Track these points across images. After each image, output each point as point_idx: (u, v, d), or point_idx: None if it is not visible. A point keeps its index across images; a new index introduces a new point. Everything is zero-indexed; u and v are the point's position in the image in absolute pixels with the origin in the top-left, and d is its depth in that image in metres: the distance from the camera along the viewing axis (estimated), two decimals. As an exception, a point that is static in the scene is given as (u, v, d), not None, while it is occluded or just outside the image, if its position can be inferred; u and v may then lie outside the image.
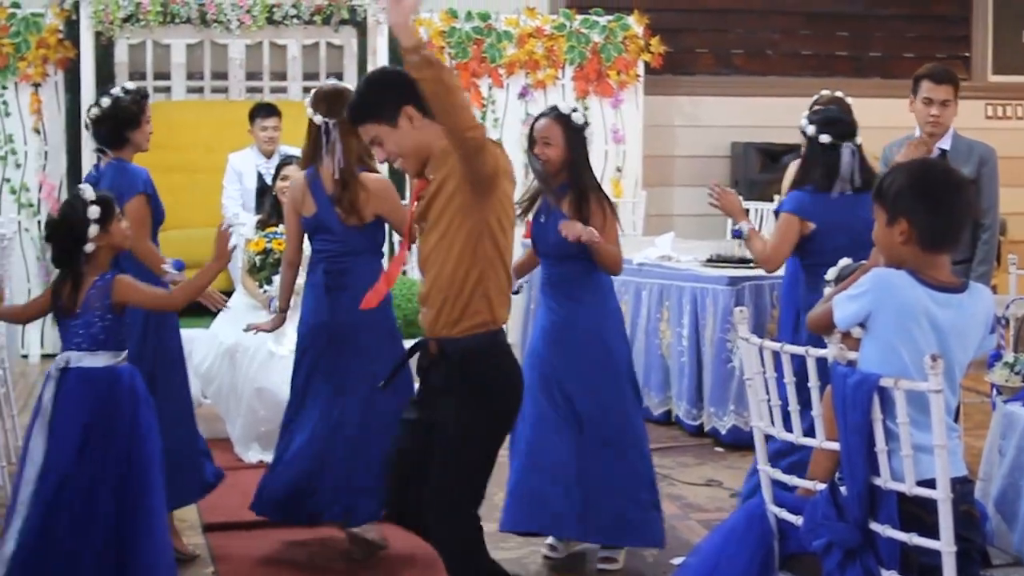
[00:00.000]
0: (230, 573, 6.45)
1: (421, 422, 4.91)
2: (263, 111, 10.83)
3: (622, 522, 6.40)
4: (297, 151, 8.53)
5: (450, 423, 4.82)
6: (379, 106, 4.79)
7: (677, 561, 6.38)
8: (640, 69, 12.80)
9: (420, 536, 5.05)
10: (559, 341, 6.43)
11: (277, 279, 8.10)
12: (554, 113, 6.46)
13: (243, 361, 8.30)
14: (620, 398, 6.48)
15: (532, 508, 6.40)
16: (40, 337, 11.86)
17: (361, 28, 12.22)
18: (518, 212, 6.22)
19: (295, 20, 11.92)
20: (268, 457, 8.11)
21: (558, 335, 6.43)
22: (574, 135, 6.42)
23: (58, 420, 5.33)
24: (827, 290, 5.02)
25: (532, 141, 6.44)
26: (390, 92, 4.81)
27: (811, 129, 6.57)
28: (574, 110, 6.48)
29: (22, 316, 6.06)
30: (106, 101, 6.62)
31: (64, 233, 5.41)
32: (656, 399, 9.40)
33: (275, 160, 9.99)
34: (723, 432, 8.72)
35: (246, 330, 7.04)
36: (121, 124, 6.62)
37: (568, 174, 6.43)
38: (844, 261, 5.44)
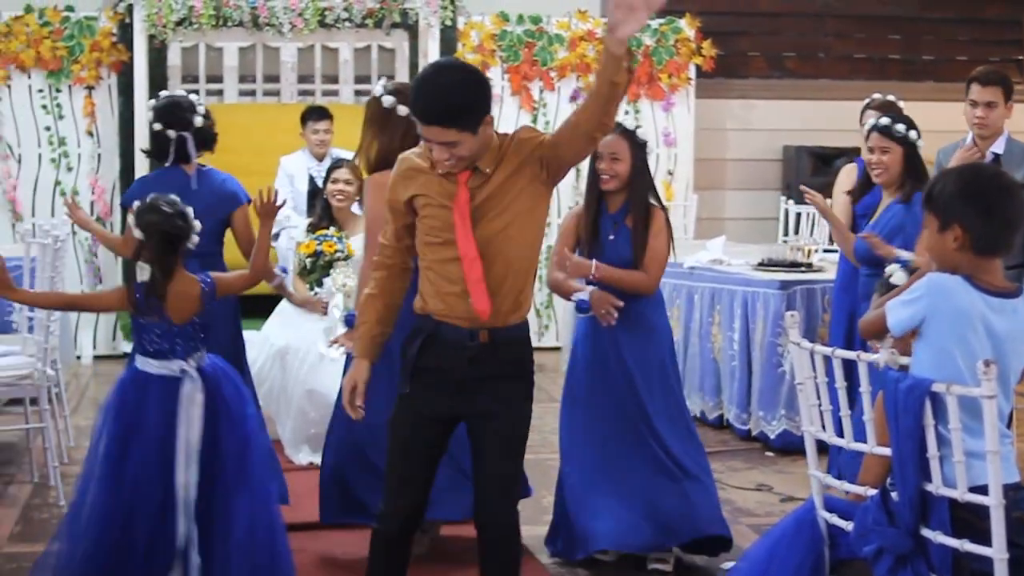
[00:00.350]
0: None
1: (445, 415, 4.87)
2: (315, 114, 10.85)
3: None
4: (348, 153, 8.56)
5: (504, 412, 4.83)
6: (471, 114, 4.65)
7: (727, 566, 6.36)
8: (692, 72, 12.78)
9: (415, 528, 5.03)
10: (629, 353, 6.49)
11: (328, 281, 8.14)
12: (620, 129, 6.41)
13: (293, 363, 8.32)
14: (681, 404, 6.64)
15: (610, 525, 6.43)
16: (92, 339, 11.93)
17: (413, 31, 12.23)
18: (584, 233, 6.35)
19: (347, 23, 11.95)
20: (318, 459, 8.13)
21: (628, 351, 6.48)
22: (639, 151, 6.44)
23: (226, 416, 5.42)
24: (876, 296, 5.00)
25: (594, 156, 6.40)
26: (482, 101, 4.69)
27: (900, 128, 6.67)
28: (637, 127, 6.50)
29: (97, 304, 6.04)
30: (203, 108, 6.72)
31: (173, 235, 5.42)
32: (710, 403, 9.38)
33: (326, 163, 10.00)
34: (772, 436, 8.69)
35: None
36: (213, 129, 6.76)
37: (631, 191, 6.44)
38: (894, 267, 5.42)
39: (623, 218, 6.44)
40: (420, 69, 11.62)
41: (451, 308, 4.77)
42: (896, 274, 5.27)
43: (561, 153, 4.74)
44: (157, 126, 6.80)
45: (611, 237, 6.43)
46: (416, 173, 4.81)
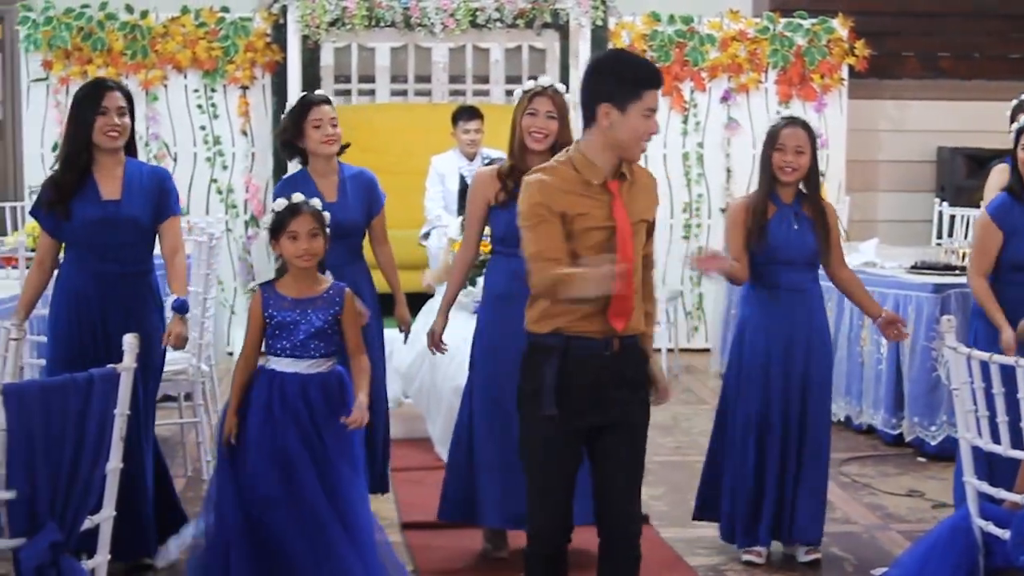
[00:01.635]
0: (429, 571, 6.49)
1: (584, 428, 4.84)
2: (466, 114, 10.89)
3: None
4: (499, 153, 8.55)
5: (636, 419, 4.86)
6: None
7: (877, 572, 6.31)
8: (844, 73, 12.64)
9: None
10: (809, 347, 6.54)
11: (481, 280, 8.16)
12: (801, 122, 6.51)
13: (443, 361, 8.34)
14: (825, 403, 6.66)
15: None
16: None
17: (564, 31, 12.24)
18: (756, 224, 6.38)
19: (498, 24, 11.99)
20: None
21: (809, 339, 6.54)
22: (816, 146, 6.50)
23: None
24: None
25: (774, 147, 6.44)
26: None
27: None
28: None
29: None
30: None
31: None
32: (857, 408, 9.28)
33: (477, 162, 10.04)
34: (932, 443, 8.55)
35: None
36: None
37: (808, 182, 6.51)
38: None
39: (800, 208, 6.48)
40: (570, 70, 11.76)
41: (589, 322, 4.72)
42: None
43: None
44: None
45: (795, 227, 6.45)
46: (567, 189, 4.74)
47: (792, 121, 6.52)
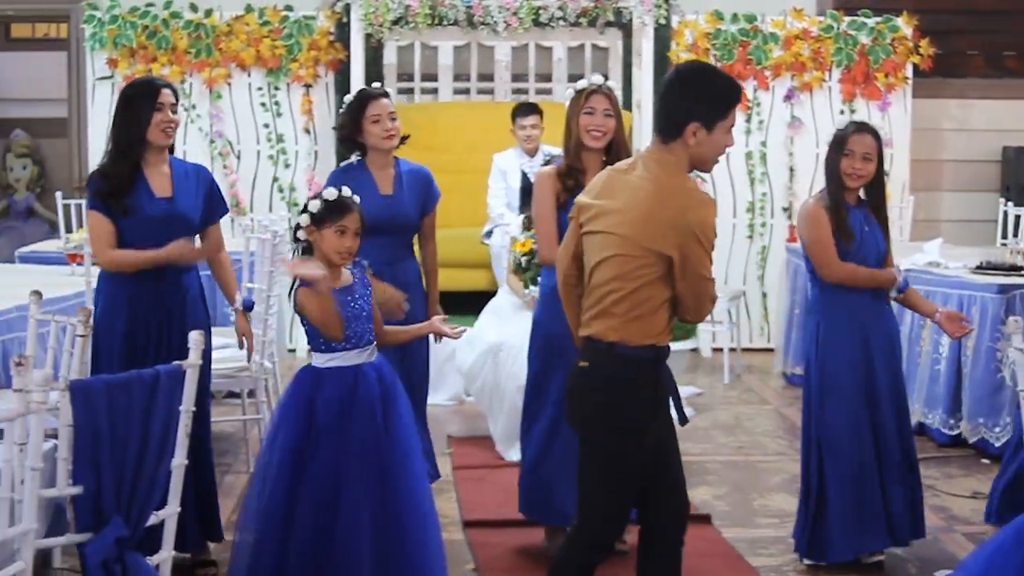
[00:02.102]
0: (490, 569, 6.50)
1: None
2: (523, 110, 10.91)
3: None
4: (560, 150, 8.51)
5: (671, 427, 4.91)
6: None
7: (940, 574, 6.28)
8: (908, 71, 12.55)
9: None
10: (890, 348, 6.60)
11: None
12: (870, 128, 6.48)
13: (506, 360, 8.36)
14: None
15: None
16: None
17: (627, 30, 12.23)
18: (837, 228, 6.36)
19: (561, 22, 11.97)
20: (530, 456, 8.18)
21: (889, 340, 6.60)
22: (883, 152, 6.49)
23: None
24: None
25: (842, 152, 6.40)
26: None
27: None
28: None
29: None
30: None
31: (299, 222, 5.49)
32: (915, 408, 9.20)
33: (538, 159, 10.04)
34: (996, 444, 8.48)
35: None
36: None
37: (874, 187, 6.50)
38: None
39: (868, 211, 6.49)
40: (633, 68, 11.74)
41: (671, 334, 4.86)
42: None
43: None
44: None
45: (866, 228, 6.45)
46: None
47: (861, 127, 6.48)
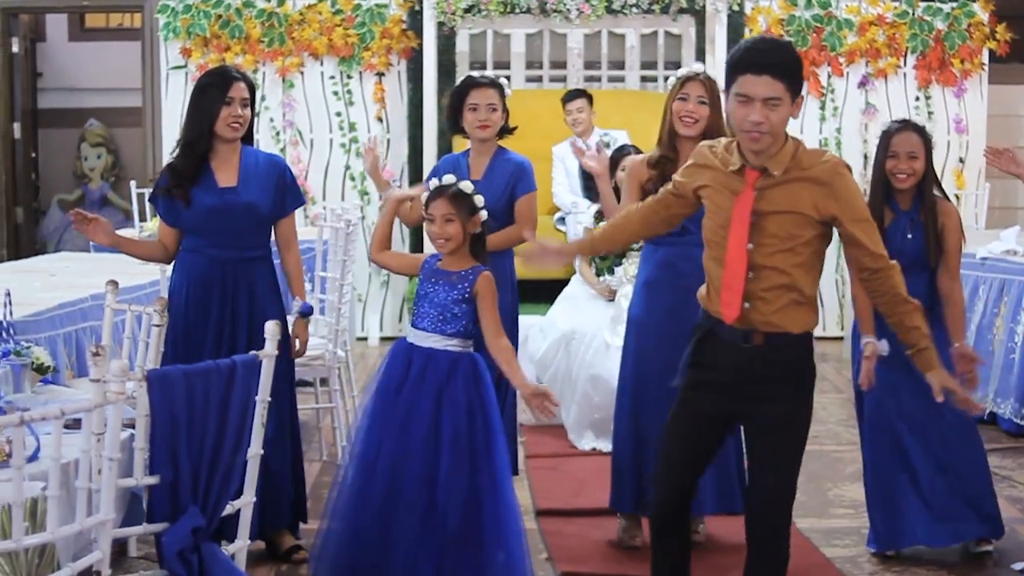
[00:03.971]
0: (562, 558, 6.47)
1: (719, 415, 4.83)
2: (568, 96, 10.88)
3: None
4: (618, 132, 8.47)
5: (779, 420, 4.76)
6: (798, 77, 4.65)
7: (1018, 567, 6.22)
8: (985, 57, 12.44)
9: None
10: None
11: (619, 270, 8.15)
12: (913, 125, 6.38)
13: (579, 348, 8.36)
14: None
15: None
16: (379, 320, 12.16)
17: (699, 17, 12.17)
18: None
19: (634, 9, 11.93)
20: (601, 445, 8.17)
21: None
22: (930, 147, 6.37)
23: None
24: None
25: (887, 153, 6.33)
26: (802, 78, 4.69)
27: None
28: (929, 112, 6.46)
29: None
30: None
31: None
32: (978, 395, 9.10)
33: (593, 140, 9.94)
34: (1068, 435, 8.40)
35: None
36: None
37: (923, 186, 6.36)
38: None
39: (918, 215, 6.34)
40: (706, 55, 11.69)
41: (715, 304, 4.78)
42: None
43: (850, 244, 4.79)
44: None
45: (909, 236, 6.30)
46: (707, 169, 4.77)
47: (904, 125, 6.39)
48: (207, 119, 6.10)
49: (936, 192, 6.36)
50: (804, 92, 10.34)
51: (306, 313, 6.22)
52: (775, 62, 4.54)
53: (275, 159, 6.43)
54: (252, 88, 6.22)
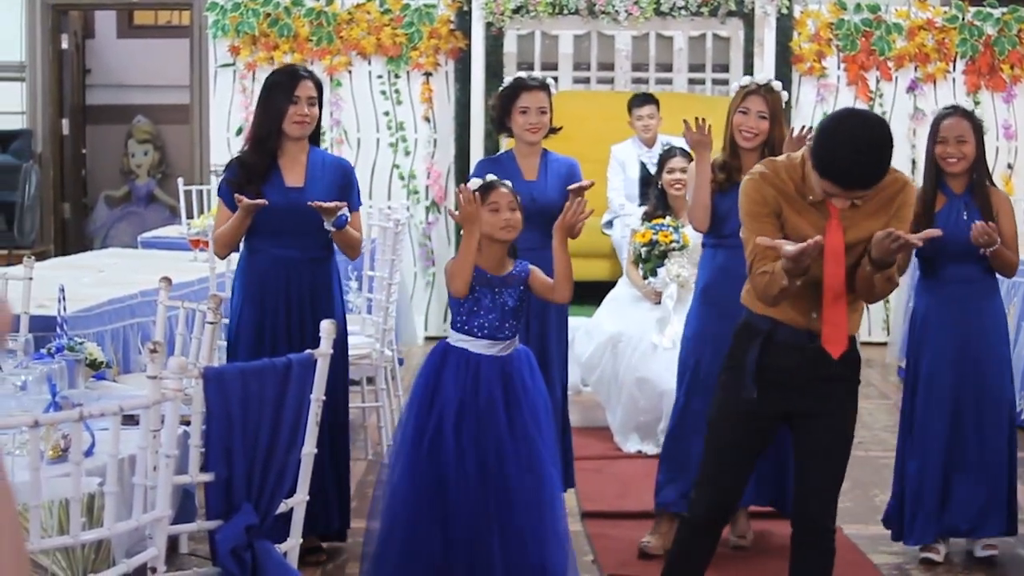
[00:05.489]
0: (609, 561, 6.48)
1: (775, 414, 4.85)
2: (638, 100, 10.91)
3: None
4: (677, 140, 8.46)
5: (831, 415, 4.81)
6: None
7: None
8: (1035, 63, 12.38)
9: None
10: (984, 339, 6.45)
11: (662, 271, 8.14)
12: (962, 111, 6.42)
13: (625, 351, 8.35)
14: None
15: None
16: (424, 320, 12.18)
17: (748, 20, 12.13)
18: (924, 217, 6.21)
19: (682, 12, 11.91)
20: (646, 447, 8.18)
21: (983, 332, 6.45)
22: (980, 131, 6.39)
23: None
24: None
25: (936, 139, 6.35)
26: None
27: None
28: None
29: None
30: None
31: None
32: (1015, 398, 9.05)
33: (657, 149, 10.01)
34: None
35: None
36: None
37: (976, 171, 6.38)
38: None
39: (972, 199, 6.36)
40: (755, 59, 11.66)
41: (798, 315, 4.76)
42: None
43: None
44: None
45: (964, 217, 6.31)
46: (784, 194, 4.73)
47: (953, 111, 6.44)
48: (274, 116, 6.13)
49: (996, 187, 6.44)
50: (852, 96, 10.26)
51: (340, 225, 6.14)
52: (876, 179, 4.55)
53: (342, 162, 6.47)
54: (320, 87, 6.25)
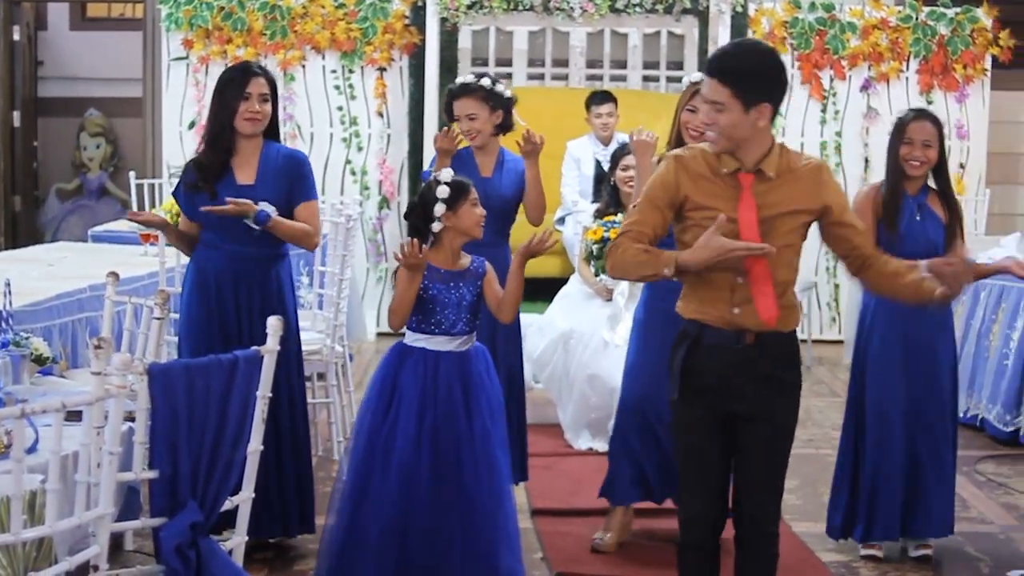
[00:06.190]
0: (558, 558, 6.47)
1: (721, 416, 4.79)
2: (597, 98, 10.91)
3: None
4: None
5: (774, 417, 4.78)
6: (751, 85, 4.61)
7: (1014, 574, 6.22)
8: (987, 63, 12.41)
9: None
10: (931, 339, 6.49)
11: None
12: (930, 115, 6.46)
13: (577, 348, 8.35)
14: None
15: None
16: (376, 316, 12.14)
17: (703, 17, 12.13)
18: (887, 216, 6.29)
19: (637, 8, 11.91)
20: (597, 444, 8.17)
21: (931, 332, 6.49)
22: (943, 140, 6.44)
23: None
24: None
25: (901, 140, 6.38)
26: (767, 85, 4.65)
27: None
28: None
29: None
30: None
31: (418, 211, 5.45)
32: (971, 401, 9.08)
33: (612, 147, 10.01)
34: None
35: None
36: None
37: (937, 175, 6.47)
38: None
39: (925, 200, 6.43)
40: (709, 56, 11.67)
41: (719, 312, 4.71)
42: None
43: (836, 238, 4.80)
44: None
45: (918, 218, 6.38)
46: (697, 175, 4.72)
47: (920, 114, 6.46)
48: (226, 113, 6.12)
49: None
50: (806, 95, 10.25)
51: (261, 222, 6.09)
52: (724, 68, 4.62)
53: (296, 154, 6.41)
54: (273, 84, 6.22)
